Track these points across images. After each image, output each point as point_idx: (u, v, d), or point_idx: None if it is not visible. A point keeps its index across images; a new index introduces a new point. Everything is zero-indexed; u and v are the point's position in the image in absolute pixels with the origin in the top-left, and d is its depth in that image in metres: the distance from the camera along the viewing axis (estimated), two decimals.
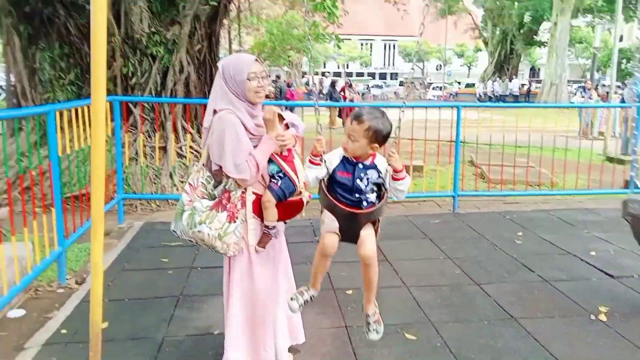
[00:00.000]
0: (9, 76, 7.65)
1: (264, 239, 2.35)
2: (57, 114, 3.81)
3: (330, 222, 2.23)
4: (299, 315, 2.73)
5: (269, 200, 2.30)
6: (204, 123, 2.34)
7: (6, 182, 5.50)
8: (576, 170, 6.41)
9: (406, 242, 4.77)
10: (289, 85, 20.84)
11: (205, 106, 2.48)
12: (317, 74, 42.88)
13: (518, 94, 33.68)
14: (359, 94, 22.75)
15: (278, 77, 23.62)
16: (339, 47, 13.25)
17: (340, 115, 16.75)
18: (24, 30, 7.05)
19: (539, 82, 35.34)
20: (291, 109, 9.96)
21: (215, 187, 2.34)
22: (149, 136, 7.00)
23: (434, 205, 6.30)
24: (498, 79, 36.18)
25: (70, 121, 4.20)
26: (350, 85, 20.52)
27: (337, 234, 2.23)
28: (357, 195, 2.22)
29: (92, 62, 2.39)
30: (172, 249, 4.45)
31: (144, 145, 6.65)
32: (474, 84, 40.99)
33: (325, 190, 2.24)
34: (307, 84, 33.38)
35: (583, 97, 15.81)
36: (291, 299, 2.34)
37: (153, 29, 7.08)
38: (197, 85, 7.72)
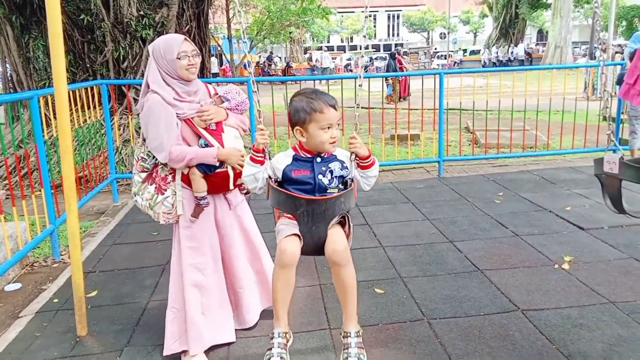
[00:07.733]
0: (5, 66, 7.86)
1: (196, 209, 2.46)
2: (42, 99, 3.98)
3: (287, 228, 1.93)
4: (251, 298, 2.74)
5: (194, 172, 2.39)
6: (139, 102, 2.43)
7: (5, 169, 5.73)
8: (572, 131, 6.42)
9: (388, 207, 4.92)
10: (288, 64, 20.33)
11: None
12: (319, 49, 42.51)
13: (524, 58, 33.16)
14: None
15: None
16: (327, 19, 13.18)
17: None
18: (16, 20, 7.21)
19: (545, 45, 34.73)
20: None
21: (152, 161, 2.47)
22: None
23: (423, 172, 6.42)
24: (503, 44, 35.65)
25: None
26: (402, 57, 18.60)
27: (298, 235, 1.91)
28: (321, 194, 1.96)
29: (51, 52, 2.55)
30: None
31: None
32: (479, 51, 40.43)
33: (275, 185, 1.95)
34: (309, 59, 33.22)
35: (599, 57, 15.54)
36: None
37: (142, 12, 7.19)
38: None
